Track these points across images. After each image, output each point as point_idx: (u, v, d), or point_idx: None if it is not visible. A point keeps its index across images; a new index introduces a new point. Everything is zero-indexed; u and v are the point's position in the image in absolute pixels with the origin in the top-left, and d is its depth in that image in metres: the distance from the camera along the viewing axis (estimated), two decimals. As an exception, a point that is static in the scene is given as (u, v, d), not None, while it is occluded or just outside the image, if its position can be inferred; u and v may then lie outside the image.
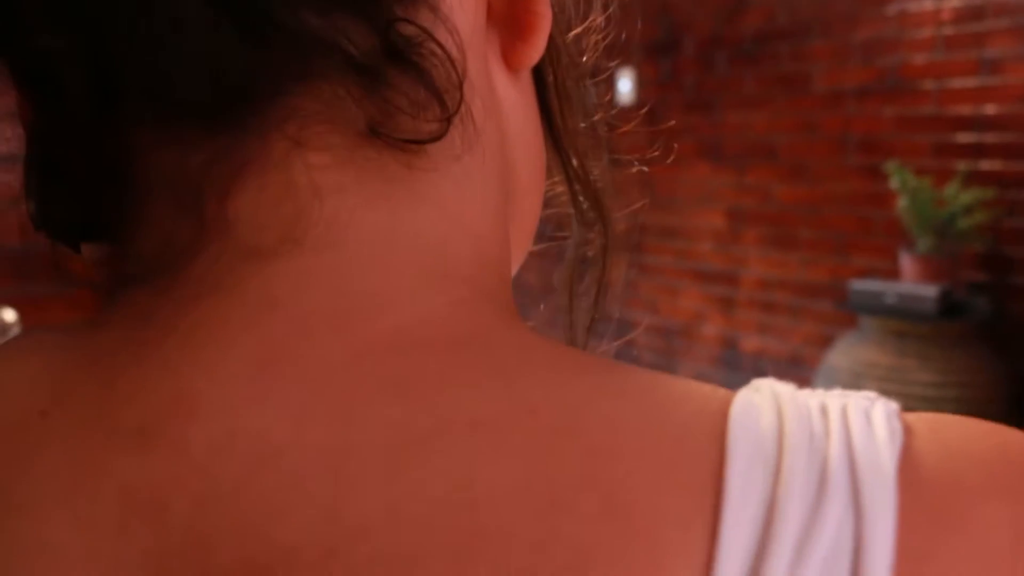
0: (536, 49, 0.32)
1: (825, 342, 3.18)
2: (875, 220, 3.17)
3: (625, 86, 3.99)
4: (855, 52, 3.25)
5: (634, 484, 0.23)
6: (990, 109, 2.88)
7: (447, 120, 0.28)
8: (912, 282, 2.69)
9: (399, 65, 0.27)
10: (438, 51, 0.28)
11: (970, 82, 2.94)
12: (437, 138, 0.28)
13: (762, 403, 0.25)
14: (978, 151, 2.90)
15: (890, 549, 0.21)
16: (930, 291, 2.54)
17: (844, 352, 2.67)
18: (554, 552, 0.22)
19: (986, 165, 2.86)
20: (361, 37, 0.27)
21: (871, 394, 0.26)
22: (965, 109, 2.95)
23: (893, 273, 2.96)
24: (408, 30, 0.27)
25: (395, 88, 0.27)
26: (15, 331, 1.42)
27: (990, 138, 2.88)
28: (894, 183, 2.79)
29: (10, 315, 1.43)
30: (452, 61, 0.28)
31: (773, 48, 3.50)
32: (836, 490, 0.22)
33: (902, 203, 2.78)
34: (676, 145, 3.75)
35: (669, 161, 3.96)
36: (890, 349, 2.55)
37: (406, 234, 0.27)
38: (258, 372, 0.25)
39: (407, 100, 0.27)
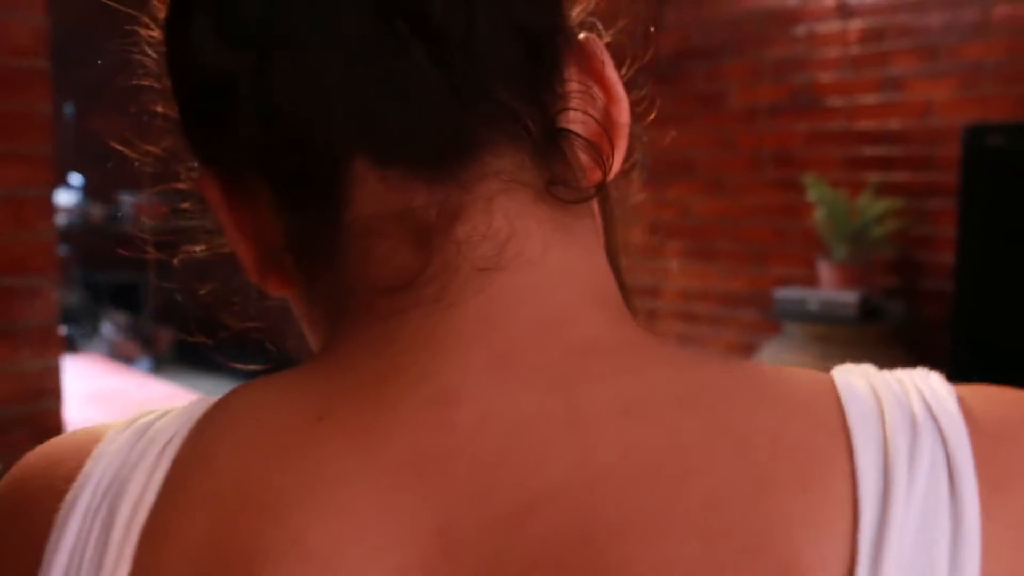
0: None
1: (747, 349, 3.31)
2: (791, 231, 3.31)
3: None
4: (767, 71, 3.41)
5: (790, 431, 0.32)
6: (894, 124, 3.06)
7: (601, 184, 0.37)
8: (830, 289, 2.83)
9: (569, 141, 0.37)
10: (597, 132, 0.38)
11: (875, 99, 3.11)
12: (591, 198, 0.37)
13: (853, 376, 0.34)
14: (885, 164, 3.07)
15: (970, 458, 0.31)
16: (850, 297, 2.68)
17: (770, 357, 2.79)
18: (744, 476, 0.31)
19: (893, 177, 3.02)
20: (538, 117, 0.36)
21: (923, 370, 0.35)
22: (871, 124, 3.12)
23: (810, 281, 3.11)
24: (573, 116, 0.37)
25: (564, 159, 0.36)
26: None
27: (895, 151, 3.05)
28: (812, 195, 2.94)
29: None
30: (601, 142, 0.38)
31: (689, 68, 3.63)
32: (925, 427, 0.31)
33: (819, 214, 2.93)
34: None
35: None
36: (814, 353, 2.68)
37: (573, 269, 0.36)
38: (497, 368, 0.33)
39: (571, 169, 0.37)
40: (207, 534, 0.32)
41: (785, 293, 2.82)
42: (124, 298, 5.71)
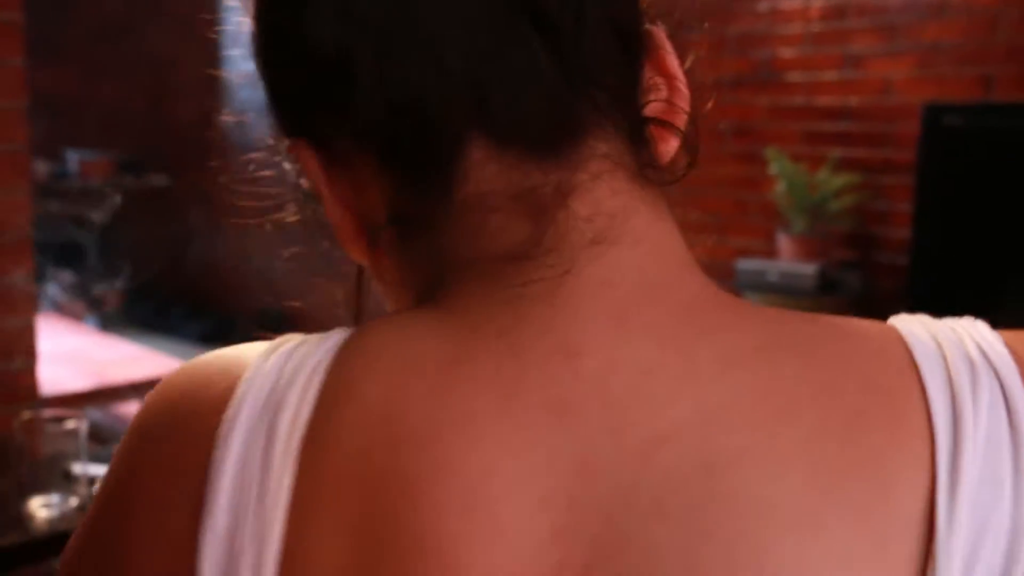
0: None
1: (705, 318, 3.38)
2: (751, 203, 3.39)
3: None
4: (730, 45, 3.46)
5: (871, 372, 0.37)
6: (853, 101, 3.14)
7: (689, 166, 0.43)
8: (789, 261, 2.91)
9: (661, 130, 0.42)
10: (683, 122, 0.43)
11: (835, 75, 3.18)
12: (679, 180, 0.43)
13: (913, 324, 0.40)
14: (843, 139, 3.14)
15: (1022, 392, 0.36)
16: (809, 269, 2.76)
17: (731, 327, 2.86)
18: (838, 412, 0.36)
19: (851, 152, 3.11)
20: (633, 105, 0.41)
21: (969, 318, 0.40)
22: (831, 100, 3.19)
23: (769, 253, 3.18)
24: (653, 105, 0.43)
25: (650, 144, 0.42)
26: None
27: (854, 127, 3.13)
28: (773, 169, 3.00)
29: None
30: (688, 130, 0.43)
31: (651, 38, 3.66)
32: (982, 368, 0.36)
33: (779, 187, 3.00)
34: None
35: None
36: (776, 308, 2.75)
37: (667, 241, 0.41)
38: (615, 325, 0.37)
39: (659, 154, 0.42)
40: (360, 452, 0.35)
41: (746, 264, 2.89)
42: (69, 257, 5.60)
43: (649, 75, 0.43)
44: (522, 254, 0.38)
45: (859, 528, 0.34)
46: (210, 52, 6.12)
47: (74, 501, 1.39)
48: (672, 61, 0.44)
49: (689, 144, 0.43)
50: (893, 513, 0.34)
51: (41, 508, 1.37)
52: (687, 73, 0.45)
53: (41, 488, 1.37)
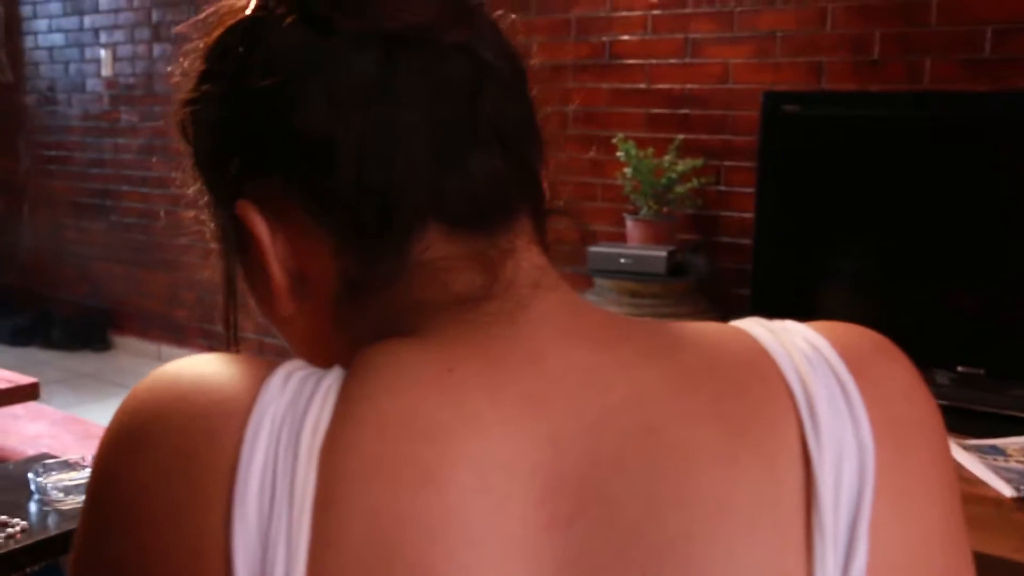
0: None
1: (554, 302, 3.40)
2: (596, 187, 3.42)
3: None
4: (572, 28, 3.47)
5: (741, 354, 0.47)
6: (693, 86, 3.22)
7: (584, 241, 0.54)
8: (639, 245, 2.96)
9: (556, 215, 0.55)
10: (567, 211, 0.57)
11: (676, 61, 3.25)
12: (571, 258, 0.56)
13: (752, 325, 0.50)
14: (685, 124, 3.23)
15: (845, 368, 0.47)
16: (659, 252, 2.82)
17: (585, 311, 2.88)
18: (729, 383, 0.46)
19: (693, 137, 3.19)
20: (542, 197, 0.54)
21: (788, 320, 0.51)
22: (671, 85, 3.26)
23: (615, 237, 3.23)
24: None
25: (550, 227, 0.54)
26: None
27: (694, 112, 3.22)
28: (621, 154, 3.04)
29: None
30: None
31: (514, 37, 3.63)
32: (816, 361, 0.47)
33: (627, 172, 3.04)
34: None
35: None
36: (626, 307, 2.79)
37: (570, 286, 0.52)
38: (563, 338, 0.48)
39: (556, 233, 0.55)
40: (377, 451, 0.41)
41: (598, 249, 2.92)
42: None
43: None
44: (479, 296, 0.48)
45: (760, 459, 0.44)
46: (7, 24, 5.64)
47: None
48: (546, 175, 0.56)
49: (580, 232, 0.58)
50: (780, 446, 0.44)
51: None
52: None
53: None
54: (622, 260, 2.87)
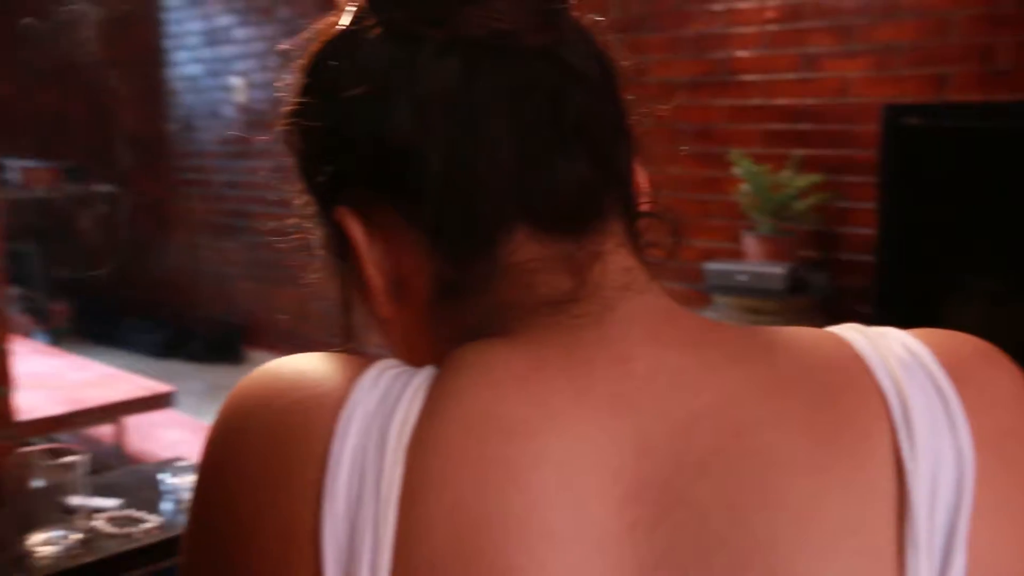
0: None
1: (671, 318, 3.41)
2: (713, 204, 3.43)
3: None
4: (686, 46, 3.49)
5: (835, 360, 0.47)
6: (811, 101, 3.19)
7: (674, 251, 0.56)
8: (757, 262, 2.95)
9: (650, 218, 0.55)
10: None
11: (793, 76, 3.23)
12: (668, 259, 0.55)
13: (847, 331, 0.50)
14: (803, 139, 3.20)
15: (944, 373, 0.46)
16: (778, 269, 2.81)
17: (701, 328, 2.89)
18: (822, 389, 0.46)
19: (811, 152, 3.16)
20: (633, 200, 0.54)
21: (886, 327, 0.51)
22: (789, 101, 3.24)
23: (733, 254, 3.23)
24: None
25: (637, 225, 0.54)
26: None
27: (813, 127, 3.19)
28: (737, 170, 3.04)
29: None
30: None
31: (606, 40, 3.68)
32: (914, 367, 0.46)
33: (744, 188, 3.04)
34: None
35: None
36: (744, 324, 2.79)
37: (662, 289, 0.52)
38: (651, 341, 0.48)
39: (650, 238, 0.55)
40: (461, 448, 0.43)
41: (714, 266, 2.93)
42: (14, 269, 5.44)
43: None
44: (568, 299, 0.49)
45: (850, 469, 0.44)
46: (151, 56, 6.01)
47: (76, 536, 1.35)
48: (642, 176, 0.57)
49: (674, 235, 0.57)
50: (871, 455, 0.44)
51: (42, 545, 1.33)
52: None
53: (39, 524, 1.33)
54: (740, 277, 2.87)
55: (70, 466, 1.35)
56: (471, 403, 0.44)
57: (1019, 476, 0.45)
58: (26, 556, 1.31)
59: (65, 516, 1.35)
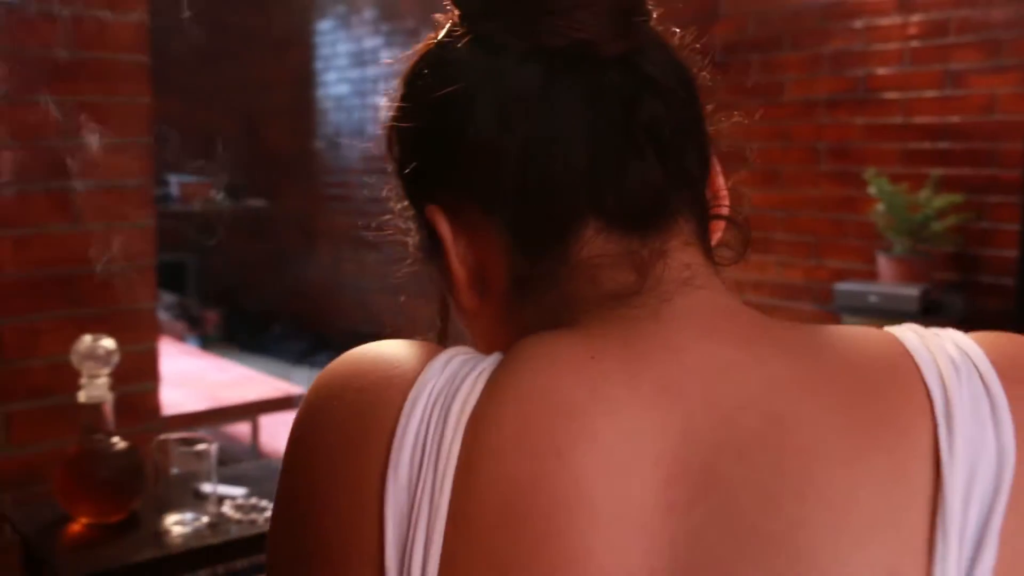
0: None
1: (801, 339, 3.33)
2: (848, 223, 3.34)
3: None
4: (825, 63, 3.43)
5: (884, 356, 0.49)
6: (954, 119, 3.08)
7: (744, 253, 0.59)
8: (891, 283, 2.86)
9: (722, 221, 0.58)
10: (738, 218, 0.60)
11: (936, 93, 3.13)
12: (735, 263, 0.58)
13: (903, 330, 0.51)
14: (944, 158, 3.09)
15: (993, 371, 0.47)
16: (911, 290, 2.72)
17: (830, 350, 2.82)
18: (863, 383, 0.47)
19: (953, 171, 3.05)
20: (704, 203, 0.57)
21: (946, 328, 0.52)
22: (931, 119, 3.14)
23: (867, 275, 3.14)
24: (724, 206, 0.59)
25: (708, 228, 0.57)
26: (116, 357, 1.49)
27: (955, 146, 3.07)
28: (872, 189, 2.96)
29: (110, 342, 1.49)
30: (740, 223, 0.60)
31: (744, 58, 3.65)
32: (964, 366, 0.47)
33: (879, 208, 2.96)
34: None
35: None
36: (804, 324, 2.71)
37: (723, 288, 0.55)
38: (704, 334, 0.51)
39: (720, 241, 0.58)
40: (515, 425, 0.46)
41: (846, 286, 2.86)
42: (171, 278, 5.81)
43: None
44: (629, 292, 0.52)
45: (887, 461, 0.45)
46: (302, 77, 6.31)
47: (205, 519, 1.45)
48: (720, 179, 0.59)
49: (744, 237, 0.59)
50: (910, 448, 0.45)
51: (176, 525, 1.43)
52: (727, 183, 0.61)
53: (175, 507, 1.44)
54: (872, 298, 2.79)
55: (202, 454, 1.45)
56: (528, 385, 0.47)
57: None
58: (162, 534, 1.42)
59: (196, 501, 1.45)
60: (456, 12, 0.56)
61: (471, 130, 0.53)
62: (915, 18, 3.15)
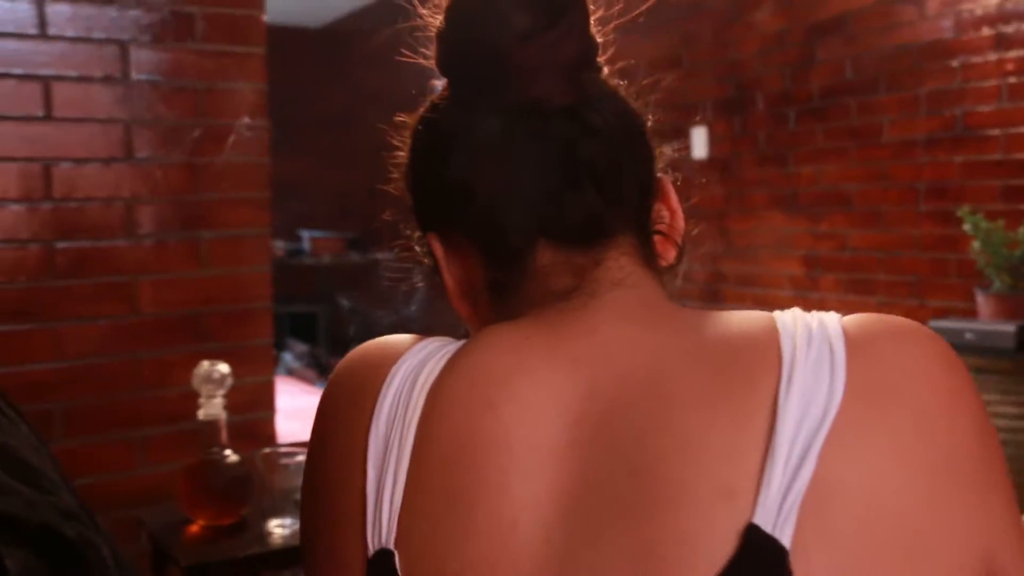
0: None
1: (905, 379, 3.31)
2: (948, 262, 3.33)
3: (700, 142, 4.22)
4: (922, 103, 3.45)
5: (754, 332, 0.59)
6: (1056, 154, 3.05)
7: (678, 261, 0.72)
8: (988, 320, 2.85)
9: (658, 237, 0.71)
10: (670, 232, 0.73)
11: (1035, 129, 3.11)
12: (671, 269, 0.72)
13: (784, 312, 0.61)
14: (1046, 194, 3.06)
15: (841, 339, 0.57)
16: (1008, 327, 2.70)
17: (926, 387, 2.82)
18: (730, 348, 0.59)
19: (1055, 207, 3.01)
20: (642, 222, 0.70)
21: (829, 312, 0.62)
22: (1032, 155, 3.11)
23: (968, 313, 3.12)
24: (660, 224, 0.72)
25: (650, 244, 0.70)
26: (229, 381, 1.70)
27: (1057, 182, 3.04)
28: (967, 227, 2.96)
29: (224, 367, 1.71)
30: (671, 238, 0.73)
31: (842, 102, 3.71)
32: (818, 335, 0.58)
33: (976, 246, 2.95)
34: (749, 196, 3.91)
35: (745, 212, 4.10)
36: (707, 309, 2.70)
37: (655, 289, 0.68)
38: (619, 319, 0.63)
39: (665, 257, 0.71)
40: (461, 390, 0.61)
41: (941, 324, 2.86)
42: (303, 327, 6.14)
43: (659, 207, 0.72)
44: (569, 291, 0.65)
45: (736, 406, 0.55)
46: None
47: (303, 525, 1.64)
48: (674, 199, 0.72)
49: (680, 251, 0.72)
50: (756, 398, 0.55)
51: (277, 528, 1.62)
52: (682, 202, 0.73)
53: (277, 513, 1.63)
54: (968, 335, 2.79)
55: (301, 467, 1.64)
56: (474, 360, 0.62)
57: (882, 421, 0.55)
58: (266, 535, 1.61)
59: (295, 508, 1.64)
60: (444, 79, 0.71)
61: (449, 173, 0.67)
62: (1012, 54, 3.16)
